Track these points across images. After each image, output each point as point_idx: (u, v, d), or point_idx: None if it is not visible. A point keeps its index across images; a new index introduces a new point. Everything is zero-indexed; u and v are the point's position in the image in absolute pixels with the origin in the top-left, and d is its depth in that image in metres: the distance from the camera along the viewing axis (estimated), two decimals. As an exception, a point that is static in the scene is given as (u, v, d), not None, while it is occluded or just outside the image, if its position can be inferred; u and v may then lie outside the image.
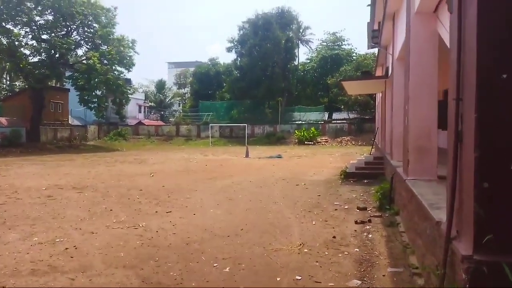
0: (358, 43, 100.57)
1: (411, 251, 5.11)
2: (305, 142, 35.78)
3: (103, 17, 33.79)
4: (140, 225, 6.96)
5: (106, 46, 33.66)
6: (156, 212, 8.12)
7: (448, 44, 5.07)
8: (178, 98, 65.78)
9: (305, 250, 5.47)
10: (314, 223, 7.08)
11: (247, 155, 23.55)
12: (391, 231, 6.43)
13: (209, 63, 53.49)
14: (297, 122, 42.06)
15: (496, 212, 2.25)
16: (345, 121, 40.48)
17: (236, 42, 44.42)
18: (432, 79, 5.90)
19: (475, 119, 2.31)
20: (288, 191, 10.58)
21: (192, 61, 73.54)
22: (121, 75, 35.66)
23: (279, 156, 23.14)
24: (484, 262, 2.24)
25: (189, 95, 58.30)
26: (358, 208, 8.32)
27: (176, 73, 68.05)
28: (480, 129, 2.30)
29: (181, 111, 58.19)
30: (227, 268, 4.78)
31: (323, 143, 36.24)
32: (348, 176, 12.80)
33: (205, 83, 51.05)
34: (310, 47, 49.99)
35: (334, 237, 6.12)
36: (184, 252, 5.41)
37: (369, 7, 21.26)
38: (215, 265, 4.90)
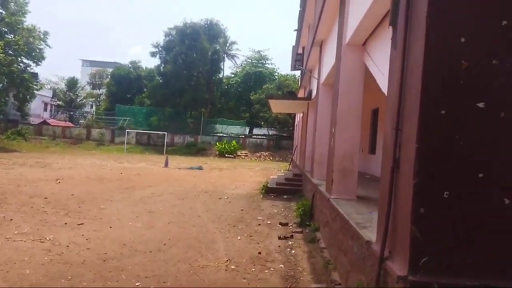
0: (281, 64, 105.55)
1: (333, 267, 5.35)
2: (226, 155, 35.93)
3: (12, 4, 30.20)
4: (48, 238, 6.19)
5: (13, 35, 29.99)
6: (65, 223, 7.32)
7: (374, 75, 5.57)
8: (91, 99, 61.22)
9: (232, 267, 5.39)
10: (239, 238, 7.05)
11: (166, 165, 22.75)
12: (312, 247, 6.68)
13: (129, 65, 50.95)
14: (218, 134, 42.11)
15: (431, 236, 2.46)
16: (264, 137, 41.72)
17: (161, 48, 43.22)
18: (358, 106, 6.38)
19: (416, 149, 2.52)
20: (211, 205, 10.42)
21: (111, 61, 69.48)
22: (28, 68, 32.02)
23: (200, 168, 22.81)
24: (418, 283, 2.42)
25: (105, 97, 54.62)
26: (280, 223, 8.52)
27: (91, 72, 63.34)
28: (420, 158, 2.51)
29: (94, 113, 54.12)
30: (152, 288, 4.47)
31: (243, 156, 36.78)
32: (269, 191, 13.10)
33: (124, 86, 48.40)
34: (235, 62, 50.89)
35: (259, 253, 6.15)
36: (101, 270, 4.93)
37: (295, 32, 22.52)
38: (137, 284, 4.55)
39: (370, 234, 3.77)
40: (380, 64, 5.02)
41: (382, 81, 4.63)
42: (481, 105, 2.45)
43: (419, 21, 2.61)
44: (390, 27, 3.15)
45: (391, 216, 2.94)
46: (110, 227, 7.26)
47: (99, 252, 5.68)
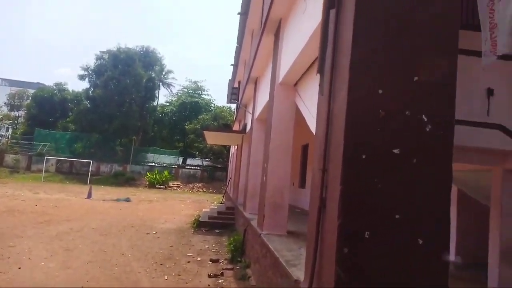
0: (217, 95, 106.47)
1: (263, 306, 5.28)
2: (157, 186, 34.53)
3: None
4: None
5: None
6: (-39, 265, 6.35)
7: (304, 114, 5.85)
8: (8, 122, 55.58)
9: (157, 310, 5.06)
10: (166, 278, 6.68)
11: (89, 196, 21.15)
12: (243, 285, 6.56)
13: (54, 87, 47.58)
14: (150, 164, 40.48)
15: (353, 276, 2.55)
16: (198, 168, 41.06)
17: (92, 71, 41.24)
18: (288, 143, 6.62)
19: (340, 190, 2.64)
20: (138, 241, 9.82)
21: (33, 82, 64.44)
22: None
23: (128, 200, 21.56)
24: (343, 322, 2.47)
25: (24, 120, 49.99)
26: (211, 260, 8.28)
27: (9, 92, 57.93)
28: (343, 199, 2.63)
29: (9, 137, 49.03)
30: None
31: (175, 188, 35.66)
32: (201, 225, 12.77)
33: (46, 109, 44.78)
34: (171, 91, 50.18)
35: (187, 293, 5.88)
36: (2, 321, 4.31)
37: (232, 66, 23.10)
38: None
39: (299, 272, 3.81)
40: (310, 105, 5.30)
41: (311, 121, 4.88)
42: (396, 151, 2.67)
43: (343, 72, 2.82)
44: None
45: (318, 255, 3.01)
46: (19, 268, 6.46)
47: (1, 299, 4.98)
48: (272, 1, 6.09)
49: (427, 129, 2.70)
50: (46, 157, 35.48)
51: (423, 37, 2.78)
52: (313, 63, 5.21)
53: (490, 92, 3.39)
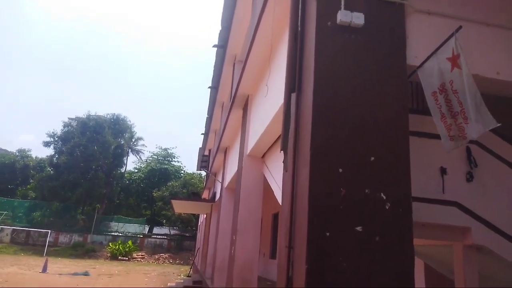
0: (187, 162, 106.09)
1: None
2: (119, 257, 32.36)
3: None
4: None
5: None
6: None
7: (271, 185, 5.93)
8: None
9: None
10: None
11: (44, 270, 19.44)
12: None
13: (17, 154, 46.00)
14: (113, 234, 38.28)
15: None
16: (165, 237, 39.24)
17: (58, 138, 40.43)
18: (257, 215, 6.59)
19: (306, 270, 2.62)
20: (94, 322, 8.94)
21: (-6, 148, 61.95)
22: None
23: (86, 274, 19.95)
24: None
25: (-20, 186, 47.13)
26: None
27: (-33, 158, 55.21)
28: (310, 279, 2.60)
29: (-40, 205, 45.67)
30: None
31: (139, 259, 33.54)
32: (165, 302, 11.90)
33: (6, 176, 42.67)
34: (140, 158, 49.52)
35: None
36: None
37: (203, 135, 23.46)
38: None
39: None
40: (277, 177, 5.41)
41: (278, 193, 4.94)
42: (359, 228, 2.74)
43: (304, 151, 2.97)
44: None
45: None
46: None
47: None
48: (240, 79, 6.47)
49: (387, 207, 2.82)
50: (1, 226, 32.97)
51: (377, 120, 3.02)
52: (279, 137, 5.43)
53: (443, 170, 3.63)
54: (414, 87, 4.21)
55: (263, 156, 6.68)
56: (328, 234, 2.69)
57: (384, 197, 2.82)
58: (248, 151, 6.71)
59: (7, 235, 33.80)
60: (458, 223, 3.52)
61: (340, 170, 2.84)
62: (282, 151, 3.40)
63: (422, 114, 3.65)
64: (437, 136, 3.20)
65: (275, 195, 5.36)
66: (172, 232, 40.56)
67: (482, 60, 3.54)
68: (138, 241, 36.46)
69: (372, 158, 2.90)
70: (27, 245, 33.62)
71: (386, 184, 2.86)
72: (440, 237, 3.68)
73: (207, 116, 19.39)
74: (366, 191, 2.82)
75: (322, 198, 2.77)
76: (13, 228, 34.39)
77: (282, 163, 3.57)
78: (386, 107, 3.05)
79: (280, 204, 4.05)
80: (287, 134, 3.28)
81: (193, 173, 44.43)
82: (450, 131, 3.04)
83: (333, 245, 2.68)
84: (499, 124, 2.86)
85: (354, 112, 2.99)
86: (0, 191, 40.63)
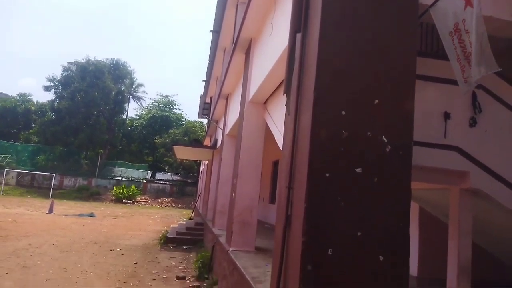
0: (189, 110, 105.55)
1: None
2: (123, 201, 33.49)
3: None
4: None
5: None
6: None
7: (272, 131, 5.95)
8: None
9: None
10: (129, 296, 6.47)
11: (50, 211, 20.24)
12: (209, 303, 6.46)
13: (18, 98, 45.75)
14: (117, 178, 39.27)
15: (317, 293, 2.60)
16: (168, 182, 40.27)
17: (58, 83, 39.96)
18: (258, 160, 6.68)
19: (304, 208, 2.70)
20: (100, 258, 9.46)
21: (-5, 91, 61.42)
22: None
23: (92, 215, 20.77)
24: None
25: (-18, 130, 47.47)
26: (177, 277, 8.10)
27: (-32, 101, 54.98)
28: (307, 217, 2.69)
29: (-35, 148, 46.31)
30: None
31: (143, 202, 34.74)
32: (168, 241, 12.50)
33: (8, 120, 42.85)
34: (141, 104, 49.22)
35: (151, 313, 5.71)
36: None
37: (204, 82, 23.13)
38: None
39: (265, 289, 3.81)
40: (278, 123, 5.40)
41: (280, 139, 4.97)
42: (358, 170, 2.78)
43: (308, 93, 2.93)
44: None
45: (283, 272, 3.03)
46: (-32, 289, 6.05)
47: None
48: (244, 21, 6.22)
49: (387, 150, 2.84)
50: (6, 169, 33.74)
51: (384, 62, 2.94)
52: (281, 82, 5.34)
53: (447, 115, 3.61)
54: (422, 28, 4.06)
55: (265, 102, 6.63)
56: (327, 175, 2.74)
57: (386, 140, 2.82)
58: (250, 97, 6.64)
59: (12, 178, 34.71)
60: (457, 168, 3.57)
61: (343, 112, 2.82)
62: (285, 94, 3.35)
63: (427, 57, 3.55)
64: (442, 80, 3.14)
65: (276, 140, 5.39)
66: (174, 178, 41.50)
67: (498, 1, 3.37)
68: (141, 186, 37.48)
69: (376, 101, 2.87)
70: (33, 187, 34.65)
71: (388, 128, 2.85)
72: (438, 181, 3.74)
73: (208, 62, 18.98)
74: (368, 133, 2.82)
75: (323, 140, 2.77)
76: (18, 171, 35.21)
77: (285, 107, 3.55)
78: (394, 49, 2.95)
79: (281, 149, 4.09)
80: (290, 76, 3.22)
81: (194, 121, 44.53)
82: (463, 72, 2.96)
83: (332, 185, 2.74)
84: (500, 69, 2.79)
85: (361, 53, 2.91)
86: (3, 135, 41.03)
